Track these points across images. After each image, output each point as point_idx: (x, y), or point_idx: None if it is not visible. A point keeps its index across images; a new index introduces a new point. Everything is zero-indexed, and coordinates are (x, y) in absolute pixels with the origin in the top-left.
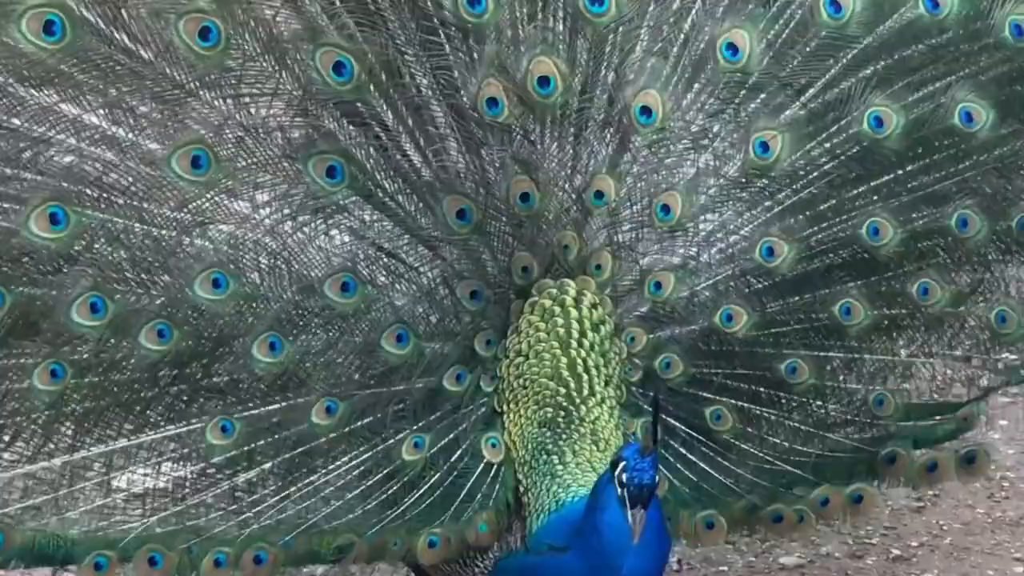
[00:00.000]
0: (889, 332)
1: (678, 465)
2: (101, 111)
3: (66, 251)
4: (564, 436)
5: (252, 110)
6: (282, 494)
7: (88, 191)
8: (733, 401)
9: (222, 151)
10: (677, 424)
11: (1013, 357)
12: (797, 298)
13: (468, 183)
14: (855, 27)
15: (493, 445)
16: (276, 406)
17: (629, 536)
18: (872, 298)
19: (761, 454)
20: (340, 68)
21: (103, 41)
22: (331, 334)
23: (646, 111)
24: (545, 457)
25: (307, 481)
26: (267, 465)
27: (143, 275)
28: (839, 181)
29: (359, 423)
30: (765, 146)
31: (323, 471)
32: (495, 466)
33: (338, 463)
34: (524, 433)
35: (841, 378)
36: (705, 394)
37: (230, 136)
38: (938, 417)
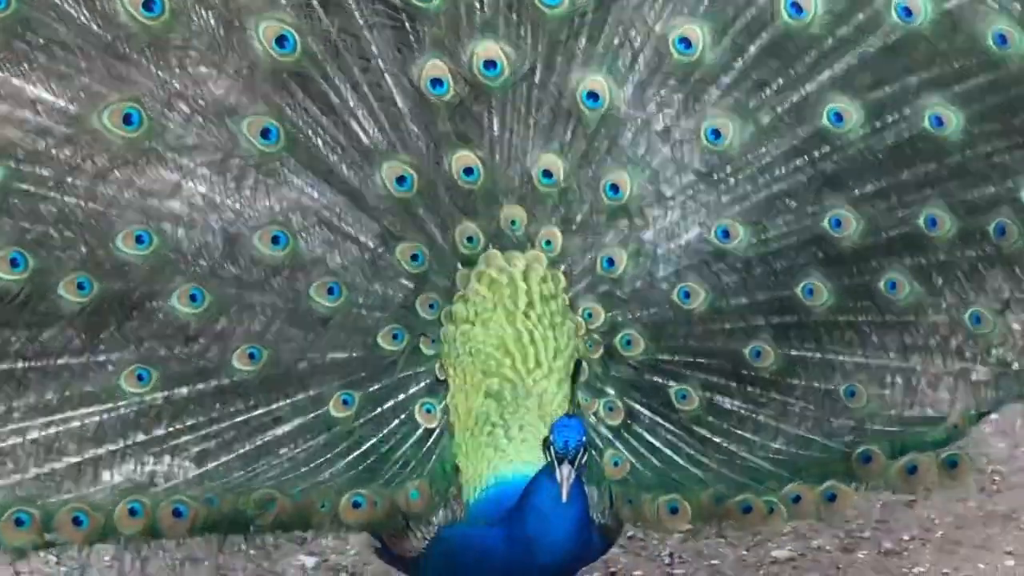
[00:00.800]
0: (856, 328)
1: (641, 449)
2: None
3: None
4: (510, 409)
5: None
6: (202, 446)
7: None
8: (699, 380)
9: (155, 111)
10: (640, 407)
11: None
12: (756, 277)
13: (410, 153)
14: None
15: (428, 411)
16: (194, 350)
17: (558, 509)
18: (837, 286)
19: (728, 446)
20: (283, 41)
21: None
22: (257, 285)
23: (593, 96)
24: (489, 428)
25: (231, 434)
26: (189, 421)
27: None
28: (803, 177)
29: (280, 373)
30: (717, 133)
31: (249, 426)
32: (432, 433)
33: (259, 413)
34: (469, 402)
35: (808, 367)
36: (669, 373)
37: (164, 96)
38: (924, 427)
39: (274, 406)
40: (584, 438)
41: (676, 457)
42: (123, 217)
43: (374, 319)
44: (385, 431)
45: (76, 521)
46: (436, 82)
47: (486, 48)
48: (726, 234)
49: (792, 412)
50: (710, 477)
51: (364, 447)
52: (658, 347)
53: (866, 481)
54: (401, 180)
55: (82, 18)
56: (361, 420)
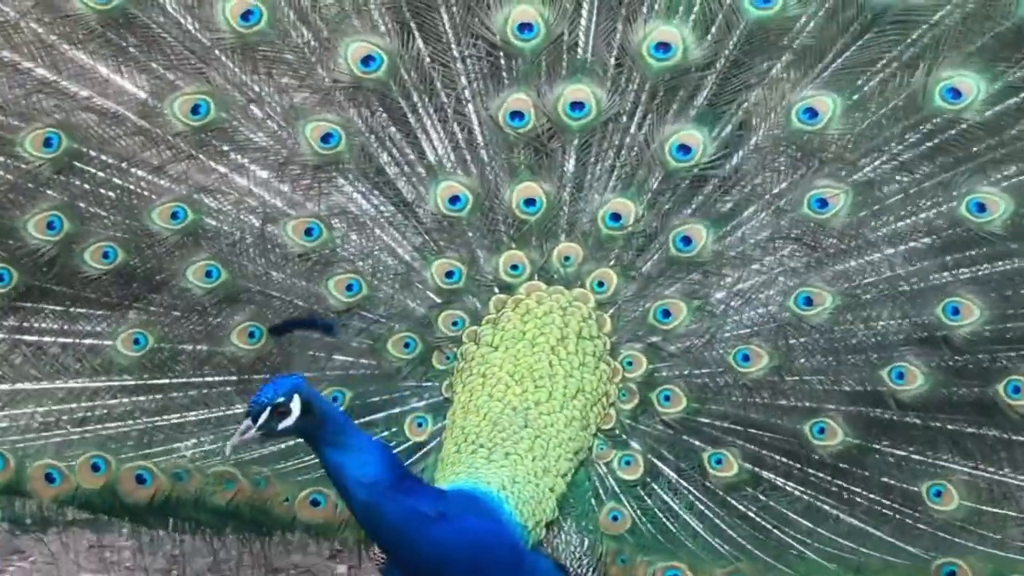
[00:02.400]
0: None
1: (655, 510)
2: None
3: (46, 174)
4: (503, 435)
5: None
6: (183, 415)
7: (91, 129)
8: (744, 449)
9: (228, 109)
10: (664, 467)
11: None
12: (837, 354)
13: (471, 176)
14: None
15: (419, 425)
16: (195, 324)
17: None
18: (936, 370)
19: (766, 523)
20: (369, 60)
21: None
22: (277, 268)
23: (684, 149)
24: (474, 448)
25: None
26: (179, 393)
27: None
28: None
29: (276, 356)
30: (823, 202)
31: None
32: (420, 448)
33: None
34: (466, 421)
35: (884, 460)
36: (708, 437)
37: (243, 99)
38: None
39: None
40: (280, 399)
41: (696, 524)
42: (163, 196)
43: (389, 326)
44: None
45: (48, 478)
46: (517, 115)
47: (576, 90)
48: (808, 301)
49: (857, 503)
50: (733, 553)
51: None
52: (701, 409)
53: None
54: (455, 200)
55: (180, 19)
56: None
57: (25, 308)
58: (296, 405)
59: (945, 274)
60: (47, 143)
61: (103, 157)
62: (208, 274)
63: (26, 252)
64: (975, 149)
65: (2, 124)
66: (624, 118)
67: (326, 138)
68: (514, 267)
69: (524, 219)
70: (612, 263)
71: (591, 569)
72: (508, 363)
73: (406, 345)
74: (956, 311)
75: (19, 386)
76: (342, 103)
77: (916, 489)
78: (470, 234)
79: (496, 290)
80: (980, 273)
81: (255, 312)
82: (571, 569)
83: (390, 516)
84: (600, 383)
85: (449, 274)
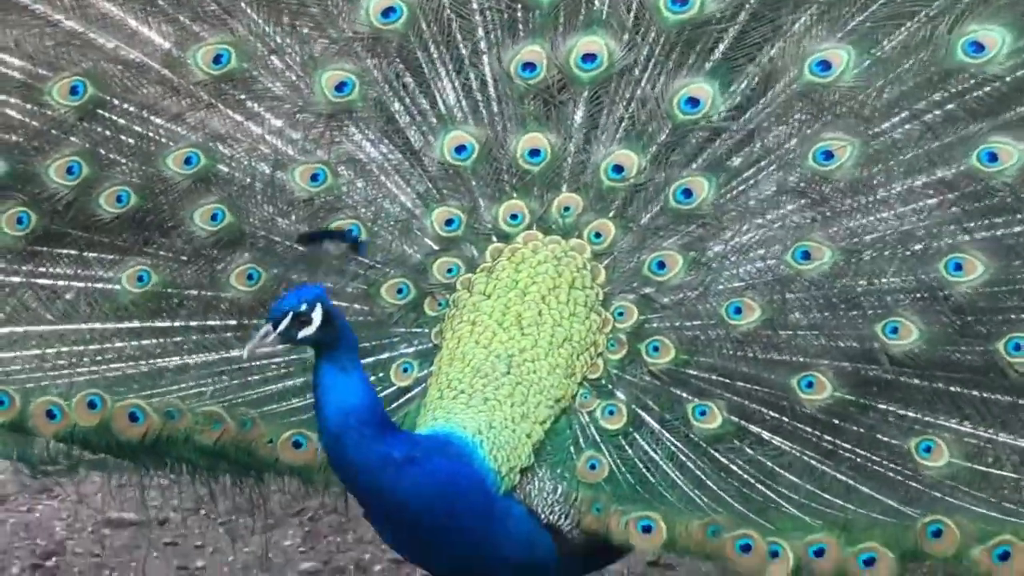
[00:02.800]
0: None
1: (636, 460)
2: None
3: (71, 121)
4: (484, 382)
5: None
6: (184, 358)
7: (116, 79)
8: (730, 402)
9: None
10: (649, 418)
11: None
12: (829, 312)
13: (479, 126)
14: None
15: (405, 370)
16: (199, 269)
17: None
18: (935, 334)
19: (747, 476)
20: (390, 12)
21: None
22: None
23: (692, 101)
24: (455, 394)
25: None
26: (177, 323)
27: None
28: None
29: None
30: (829, 154)
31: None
32: (405, 393)
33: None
34: (451, 367)
35: (874, 416)
36: (694, 389)
37: (265, 49)
38: None
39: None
40: (302, 307)
41: (677, 475)
42: (179, 142)
43: (384, 271)
44: None
45: (49, 414)
46: (528, 66)
47: (589, 42)
48: (806, 256)
49: (844, 458)
50: (711, 504)
51: None
52: (689, 361)
53: (929, 559)
54: (461, 149)
55: None
56: None
57: (41, 253)
58: (318, 315)
59: (954, 228)
60: (73, 91)
61: (125, 105)
62: (214, 217)
63: (46, 196)
64: (998, 105)
65: (31, 73)
66: (636, 71)
67: (340, 87)
68: (513, 216)
69: (527, 169)
70: (611, 214)
71: (563, 516)
72: (498, 311)
73: (399, 291)
74: (959, 267)
75: (31, 328)
76: (359, 53)
77: (905, 445)
78: (473, 183)
79: (494, 239)
80: (996, 233)
81: (256, 257)
82: (543, 516)
83: (356, 453)
84: (589, 332)
85: (449, 222)
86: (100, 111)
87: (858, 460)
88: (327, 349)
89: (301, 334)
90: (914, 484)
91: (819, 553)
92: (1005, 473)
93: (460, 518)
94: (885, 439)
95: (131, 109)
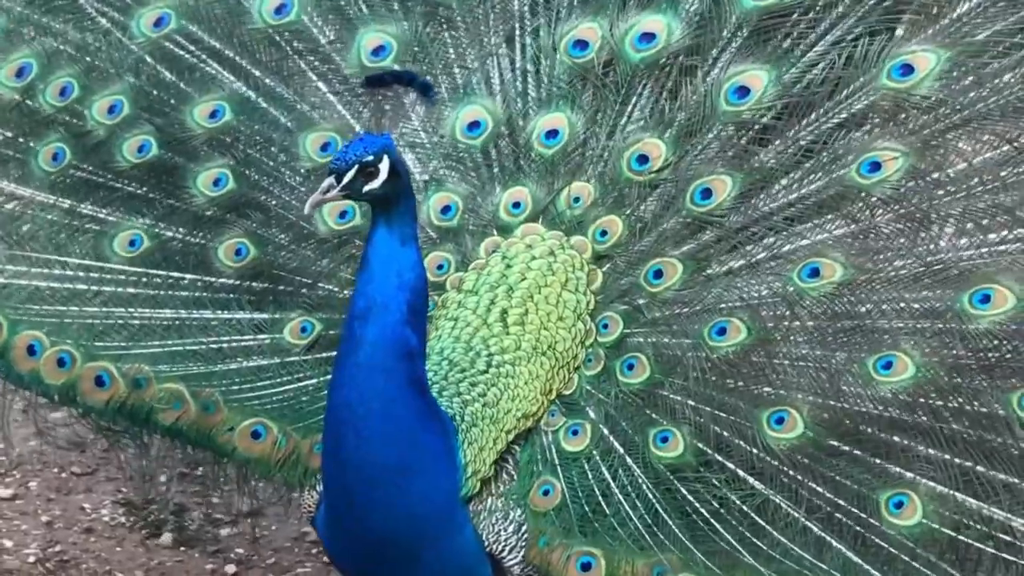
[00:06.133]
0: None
1: (594, 487)
2: None
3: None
4: (452, 372)
5: None
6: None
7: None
8: (694, 429)
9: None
10: (615, 441)
11: None
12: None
13: (496, 101)
14: None
15: None
16: (195, 238)
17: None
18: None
19: (707, 513)
20: None
21: None
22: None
23: (743, 90)
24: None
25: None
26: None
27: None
28: None
29: (256, 284)
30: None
31: (214, 320)
32: None
33: (228, 314)
34: (428, 363)
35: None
36: (664, 410)
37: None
38: None
39: (237, 314)
40: (369, 157)
41: (631, 507)
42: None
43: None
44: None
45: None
46: (580, 43)
47: (652, 21)
48: (815, 273)
49: (814, 505)
50: (664, 542)
51: (301, 384)
52: (663, 382)
53: None
54: (474, 125)
55: None
56: (312, 356)
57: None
58: (385, 167)
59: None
60: (158, 23)
61: (192, 45)
62: (216, 182)
63: (83, 132)
64: None
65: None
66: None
67: (377, 50)
68: (516, 205)
69: (541, 151)
70: (622, 210)
71: (508, 548)
72: (483, 306)
73: None
74: (986, 299)
75: (36, 255)
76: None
77: (875, 497)
78: (480, 160)
79: (494, 231)
80: None
81: (248, 229)
82: (486, 543)
83: (380, 333)
84: (573, 343)
85: (446, 209)
86: (170, 45)
87: (827, 508)
88: (387, 211)
89: (367, 187)
90: (881, 542)
91: None
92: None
93: (419, 503)
94: (853, 486)
95: (197, 50)
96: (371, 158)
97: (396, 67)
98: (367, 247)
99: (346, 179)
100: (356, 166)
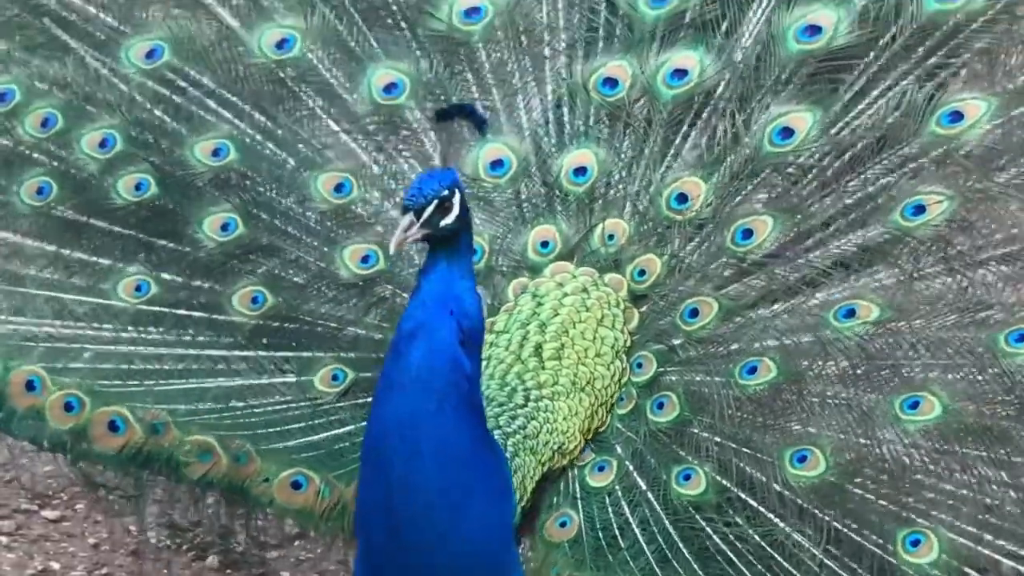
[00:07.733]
0: None
1: (612, 521)
2: None
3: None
4: (504, 413)
5: None
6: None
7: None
8: (715, 468)
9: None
10: (639, 478)
11: None
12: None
13: (519, 140)
14: None
15: None
16: (203, 283)
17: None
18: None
19: (728, 550)
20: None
21: None
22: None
23: (787, 132)
24: None
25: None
26: (170, 337)
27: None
28: None
29: (281, 324)
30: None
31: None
32: None
33: (242, 354)
34: None
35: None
36: (690, 448)
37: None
38: None
39: (261, 353)
40: (445, 192)
41: (644, 543)
42: (212, 131)
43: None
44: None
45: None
46: (610, 81)
47: (684, 57)
48: (850, 314)
49: (832, 539)
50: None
51: (339, 431)
52: (692, 420)
53: None
54: (497, 164)
55: None
56: (346, 402)
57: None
58: (457, 200)
59: None
60: (149, 55)
61: (183, 80)
62: (224, 227)
63: (72, 164)
64: None
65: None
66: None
67: (389, 88)
68: (544, 244)
69: (570, 189)
70: (661, 250)
71: None
72: (515, 342)
73: None
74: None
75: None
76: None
77: (891, 534)
78: (502, 201)
79: (525, 272)
80: None
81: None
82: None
83: (427, 355)
84: (611, 381)
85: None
86: (169, 75)
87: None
88: (447, 245)
89: (444, 222)
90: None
91: None
92: None
93: (478, 528)
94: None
95: (203, 79)
96: (446, 193)
97: (454, 99)
98: (421, 278)
99: (426, 213)
100: (435, 201)
